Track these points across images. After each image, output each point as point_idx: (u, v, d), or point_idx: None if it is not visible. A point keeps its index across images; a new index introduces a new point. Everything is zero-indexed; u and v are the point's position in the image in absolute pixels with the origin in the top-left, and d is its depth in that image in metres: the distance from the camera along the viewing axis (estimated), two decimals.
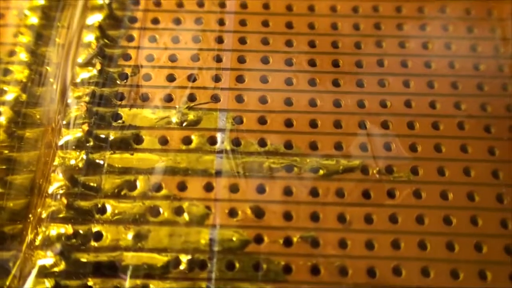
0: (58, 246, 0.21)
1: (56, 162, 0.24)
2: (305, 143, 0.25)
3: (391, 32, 0.28)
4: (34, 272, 0.21)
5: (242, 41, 0.28)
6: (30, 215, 0.23)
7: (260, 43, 0.28)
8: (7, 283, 0.21)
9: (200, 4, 0.29)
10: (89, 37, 0.27)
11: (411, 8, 0.28)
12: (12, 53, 0.27)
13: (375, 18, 0.28)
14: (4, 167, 0.24)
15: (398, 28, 0.28)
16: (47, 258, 0.22)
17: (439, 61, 0.27)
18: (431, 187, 0.24)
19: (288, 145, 0.25)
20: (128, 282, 0.22)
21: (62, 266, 0.22)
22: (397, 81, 0.26)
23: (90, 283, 0.22)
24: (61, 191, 0.23)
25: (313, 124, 0.25)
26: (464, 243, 0.23)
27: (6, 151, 0.24)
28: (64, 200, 0.22)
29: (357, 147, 0.25)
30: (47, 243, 0.22)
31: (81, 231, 0.23)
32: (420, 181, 0.24)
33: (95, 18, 0.27)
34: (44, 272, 0.22)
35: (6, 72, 0.26)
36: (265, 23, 0.28)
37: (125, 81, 0.26)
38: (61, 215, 0.23)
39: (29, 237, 0.22)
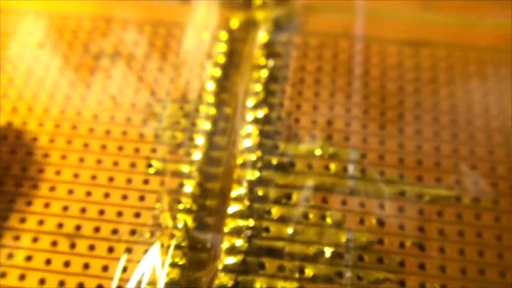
0: (248, 232, 0.31)
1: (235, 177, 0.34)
2: (413, 176, 0.34)
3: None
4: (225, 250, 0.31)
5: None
6: (222, 212, 0.33)
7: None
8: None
9: None
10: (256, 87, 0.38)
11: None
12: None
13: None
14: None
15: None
16: (236, 240, 0.32)
17: None
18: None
19: (401, 176, 0.34)
20: (290, 263, 0.31)
21: (245, 247, 0.31)
22: (481, 135, 0.36)
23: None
24: (243, 197, 0.33)
25: (419, 162, 0.35)
26: None
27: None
28: (247, 203, 0.32)
29: (453, 181, 0.34)
30: (235, 230, 0.32)
31: (255, 225, 0.32)
32: (501, 210, 0.33)
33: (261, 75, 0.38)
34: (234, 251, 0.31)
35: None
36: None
37: (281, 122, 0.36)
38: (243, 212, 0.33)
39: (222, 226, 0.32)
